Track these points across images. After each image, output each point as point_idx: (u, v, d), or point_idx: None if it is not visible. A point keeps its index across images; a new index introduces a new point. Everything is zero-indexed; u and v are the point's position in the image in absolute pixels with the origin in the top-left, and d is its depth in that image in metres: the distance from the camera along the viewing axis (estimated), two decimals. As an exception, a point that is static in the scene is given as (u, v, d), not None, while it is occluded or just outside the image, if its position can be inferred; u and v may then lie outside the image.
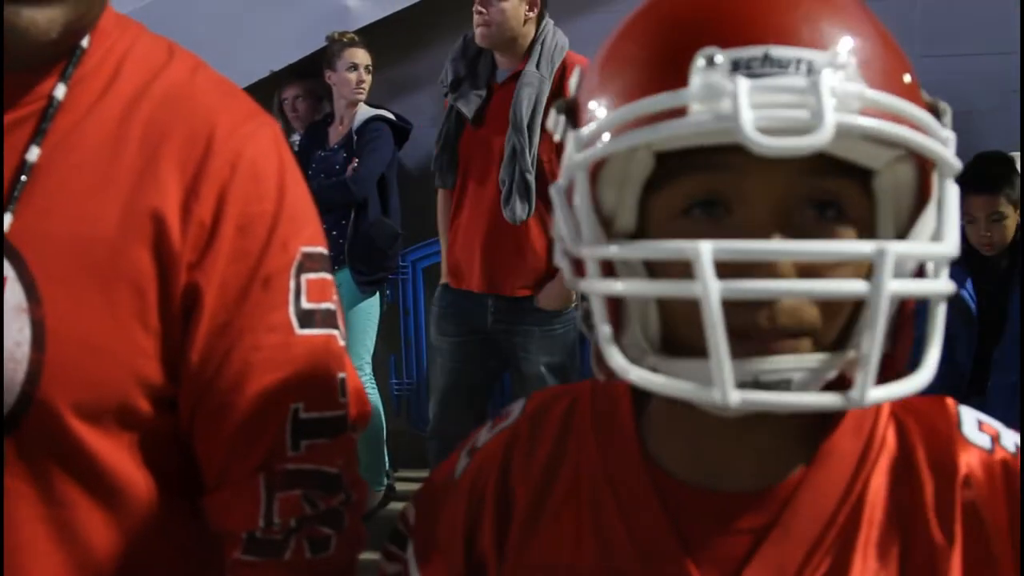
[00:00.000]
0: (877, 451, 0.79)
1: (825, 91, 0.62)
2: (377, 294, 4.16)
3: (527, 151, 3.07)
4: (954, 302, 2.97)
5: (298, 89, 4.54)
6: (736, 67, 0.65)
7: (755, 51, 0.65)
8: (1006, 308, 3.14)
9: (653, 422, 0.84)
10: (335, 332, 1.00)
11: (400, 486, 4.31)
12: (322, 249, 1.00)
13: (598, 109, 0.73)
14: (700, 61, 0.65)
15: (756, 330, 0.68)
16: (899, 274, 0.68)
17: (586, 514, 0.83)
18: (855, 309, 0.72)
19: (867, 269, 0.67)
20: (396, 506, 4.13)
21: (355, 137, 4.10)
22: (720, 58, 0.64)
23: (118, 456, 0.94)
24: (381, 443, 4.14)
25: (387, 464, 4.24)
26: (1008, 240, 3.16)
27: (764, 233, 0.68)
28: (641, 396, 0.84)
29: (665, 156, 0.71)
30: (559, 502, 0.84)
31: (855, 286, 0.64)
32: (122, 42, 0.97)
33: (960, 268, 3.04)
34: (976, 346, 3.15)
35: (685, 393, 0.67)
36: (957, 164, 0.69)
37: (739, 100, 0.62)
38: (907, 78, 0.72)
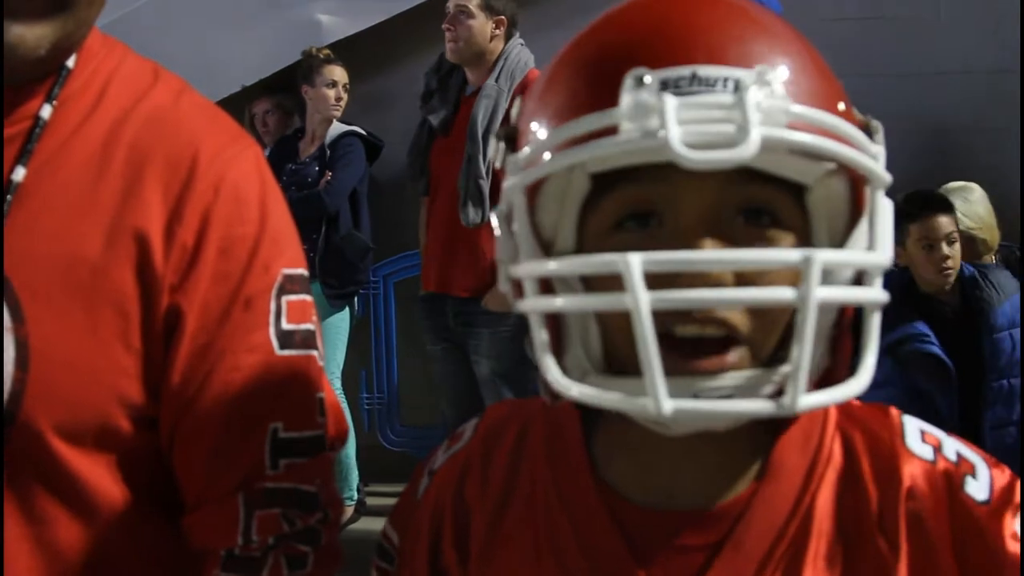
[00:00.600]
0: (824, 464, 0.81)
1: (750, 106, 0.64)
2: (347, 308, 4.17)
3: (480, 158, 3.21)
4: (921, 360, 2.99)
5: (268, 104, 4.56)
6: (665, 86, 0.67)
7: (683, 71, 0.67)
8: (976, 348, 3.09)
9: (603, 443, 0.85)
10: (314, 353, 1.01)
11: (371, 500, 4.31)
12: (303, 271, 1.02)
13: (534, 133, 0.75)
14: (629, 81, 0.67)
15: (687, 339, 0.69)
16: (834, 283, 0.70)
17: (543, 536, 0.83)
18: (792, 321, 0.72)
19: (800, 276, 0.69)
20: (367, 520, 4.13)
21: (328, 151, 4.14)
22: (649, 78, 0.67)
23: (98, 474, 0.94)
24: (351, 457, 4.15)
25: (357, 478, 4.23)
26: (958, 268, 3.13)
27: (696, 242, 0.70)
28: (591, 418, 0.85)
29: (600, 176, 0.72)
30: (515, 524, 0.85)
31: (782, 293, 0.65)
32: (108, 63, 0.98)
33: (919, 323, 3.04)
34: (956, 396, 3.10)
35: (617, 404, 0.68)
36: (887, 177, 0.71)
37: (666, 116, 0.64)
38: (836, 96, 0.74)
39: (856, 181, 0.73)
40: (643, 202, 0.72)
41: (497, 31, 3.33)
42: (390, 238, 4.20)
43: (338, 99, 4.19)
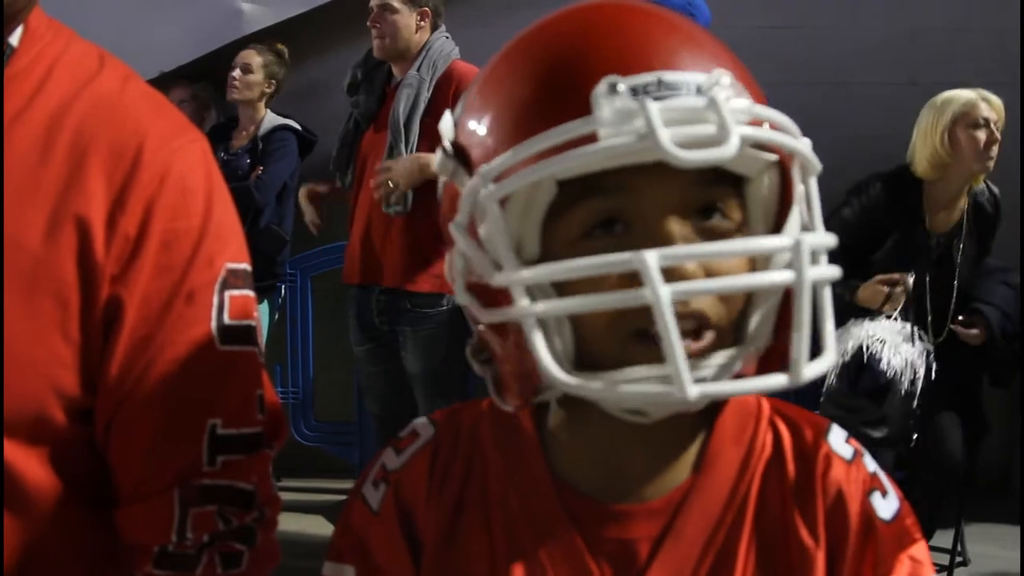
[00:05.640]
0: (757, 457, 0.86)
1: (725, 108, 0.69)
2: (266, 302, 4.12)
3: (403, 148, 3.20)
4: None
5: (184, 93, 4.48)
6: (636, 92, 0.70)
7: (649, 77, 0.71)
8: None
9: (555, 438, 0.87)
10: (255, 349, 1.00)
11: (283, 495, 4.23)
12: (246, 266, 1.00)
13: (497, 146, 0.76)
14: (603, 88, 0.70)
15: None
16: (774, 268, 0.76)
17: (499, 530, 0.85)
18: (744, 307, 0.78)
19: (753, 264, 0.77)
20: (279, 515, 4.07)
21: (260, 144, 4.09)
22: (622, 86, 0.70)
23: (28, 465, 0.92)
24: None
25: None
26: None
27: (668, 240, 0.73)
28: (539, 416, 0.88)
29: (565, 182, 0.74)
30: (471, 520, 0.87)
31: (784, 275, 0.70)
32: (53, 47, 0.96)
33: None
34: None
35: (641, 396, 0.72)
36: (818, 164, 0.77)
37: (653, 120, 0.67)
38: (763, 94, 0.79)
39: (786, 171, 0.78)
40: (611, 211, 0.75)
41: (422, 23, 3.33)
42: (308, 230, 4.15)
43: (234, 80, 4.16)
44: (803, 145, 0.75)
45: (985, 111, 3.16)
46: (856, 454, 0.87)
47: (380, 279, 3.33)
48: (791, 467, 0.86)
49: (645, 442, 0.83)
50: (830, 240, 0.75)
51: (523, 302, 0.73)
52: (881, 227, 3.24)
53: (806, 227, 0.77)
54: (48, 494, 0.94)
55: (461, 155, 0.80)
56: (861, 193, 3.26)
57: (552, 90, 0.75)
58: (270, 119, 4.18)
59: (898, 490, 0.88)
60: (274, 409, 1.03)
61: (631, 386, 0.72)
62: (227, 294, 0.97)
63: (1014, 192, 3.93)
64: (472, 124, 0.80)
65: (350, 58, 3.55)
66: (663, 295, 0.66)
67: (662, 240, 0.73)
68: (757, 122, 0.73)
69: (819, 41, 4.22)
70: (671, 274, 0.69)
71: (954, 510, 3.62)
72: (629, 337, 0.74)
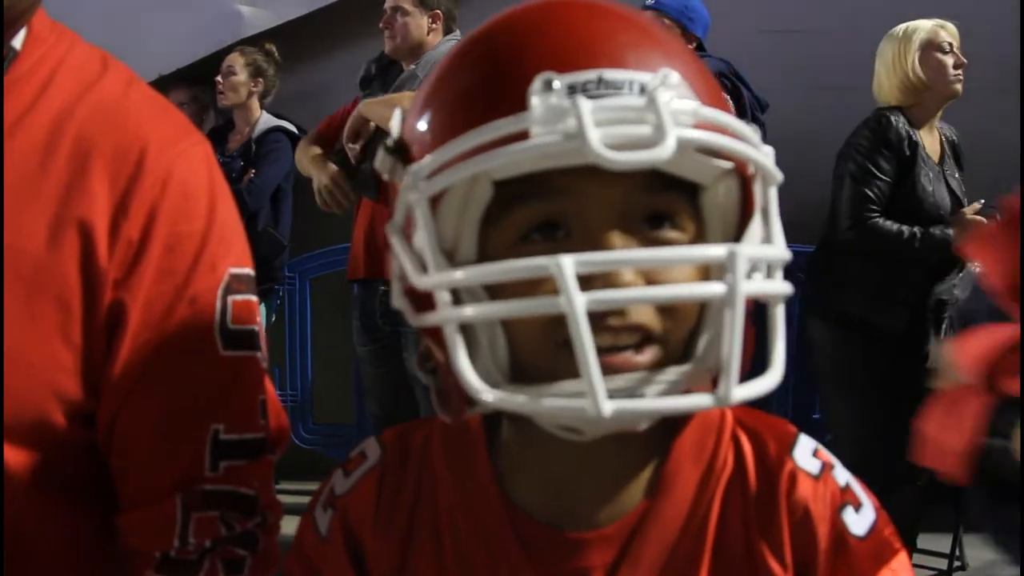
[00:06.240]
0: (718, 476, 0.82)
1: (664, 108, 0.65)
2: (263, 305, 4.11)
3: None
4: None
5: (183, 95, 4.47)
6: (573, 90, 0.67)
7: (590, 75, 0.68)
8: None
9: (507, 458, 0.84)
10: (258, 354, 1.00)
11: (281, 498, 4.24)
12: (249, 271, 1.00)
13: (433, 142, 0.73)
14: (538, 85, 0.67)
15: (604, 342, 0.69)
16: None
17: (448, 552, 0.83)
18: (696, 322, 0.74)
19: (705, 274, 0.72)
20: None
21: (254, 147, 4.07)
22: (558, 83, 0.67)
23: (27, 469, 0.91)
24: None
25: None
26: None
27: (607, 247, 0.70)
28: (492, 434, 0.85)
29: (503, 184, 0.72)
30: (424, 540, 0.84)
31: (714, 287, 0.66)
32: (56, 50, 0.96)
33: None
34: None
35: (557, 411, 0.68)
36: (779, 175, 0.73)
37: (584, 119, 0.64)
38: (723, 98, 0.76)
39: (746, 180, 0.75)
40: (551, 215, 0.72)
41: (434, 25, 3.34)
42: (307, 233, 4.14)
43: (219, 85, 4.17)
44: (759, 153, 0.72)
45: (947, 36, 3.27)
46: (824, 467, 0.83)
47: (383, 272, 3.34)
48: (753, 486, 0.82)
49: (594, 463, 0.79)
50: (779, 253, 0.72)
51: (444, 306, 0.70)
52: (908, 162, 3.22)
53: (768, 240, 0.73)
54: (46, 498, 0.94)
55: (403, 152, 0.77)
56: (877, 141, 3.21)
57: (489, 86, 0.72)
58: (265, 121, 4.16)
59: (874, 500, 0.84)
60: (277, 414, 1.03)
61: (551, 401, 0.68)
62: (230, 299, 0.97)
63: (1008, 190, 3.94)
64: (415, 120, 0.77)
65: (350, 60, 3.57)
66: (577, 303, 0.62)
67: (600, 247, 0.70)
68: (707, 126, 0.69)
69: (819, 45, 4.22)
70: (607, 282, 0.67)
71: (952, 514, 3.62)
72: (560, 348, 0.68)
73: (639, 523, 0.80)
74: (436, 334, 0.73)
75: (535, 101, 0.67)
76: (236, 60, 4.17)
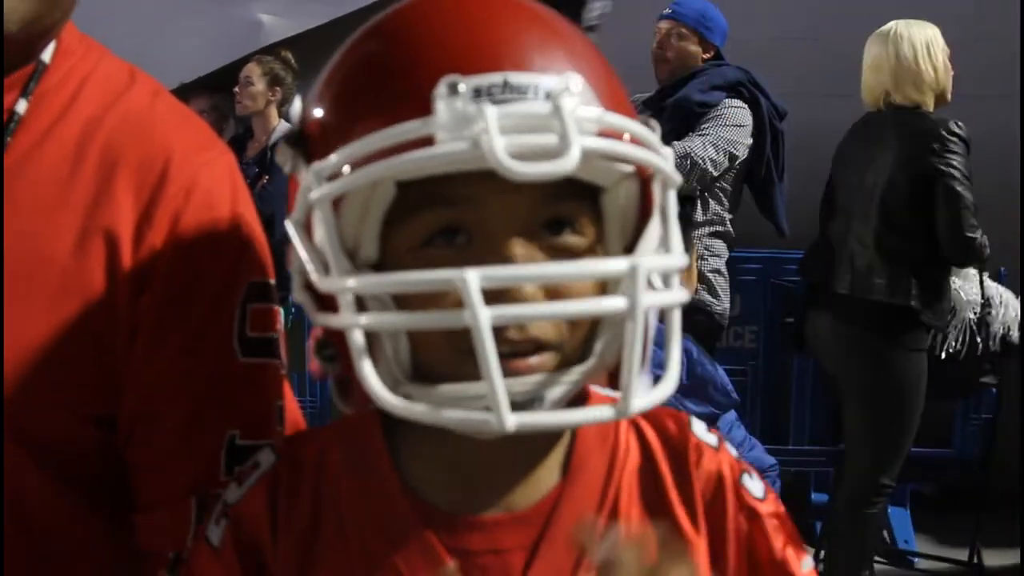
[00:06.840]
0: (623, 458, 0.84)
1: (569, 117, 0.65)
2: (281, 311, 4.13)
3: None
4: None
5: (204, 104, 4.50)
6: (478, 94, 0.66)
7: (495, 78, 0.67)
8: None
9: (408, 453, 0.83)
10: (276, 361, 1.02)
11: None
12: (269, 280, 1.02)
13: (335, 140, 0.72)
14: (442, 88, 0.67)
15: (504, 349, 0.68)
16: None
17: (356, 554, 0.81)
18: (594, 324, 0.76)
19: (603, 285, 0.73)
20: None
21: (269, 154, 4.10)
22: (463, 86, 0.66)
23: (44, 470, 0.93)
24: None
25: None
26: None
27: (509, 256, 0.70)
28: (391, 427, 0.83)
29: (406, 185, 0.71)
30: (328, 546, 0.82)
31: (615, 303, 0.68)
32: (85, 62, 0.98)
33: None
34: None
35: (459, 423, 0.68)
36: (678, 178, 0.74)
37: (490, 127, 0.64)
38: (627, 100, 0.77)
39: (645, 181, 0.75)
40: (453, 221, 0.72)
41: None
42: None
43: (237, 95, 4.23)
44: (660, 159, 0.72)
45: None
46: (719, 440, 0.87)
47: None
48: (663, 463, 0.84)
49: (500, 454, 0.79)
50: (678, 262, 0.73)
51: (348, 312, 0.70)
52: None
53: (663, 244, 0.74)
54: (60, 500, 0.95)
55: (303, 146, 0.76)
56: (953, 146, 3.07)
57: (392, 84, 0.71)
58: (282, 129, 4.19)
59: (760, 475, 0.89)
60: (294, 421, 1.04)
61: (452, 412, 0.68)
62: (249, 307, 0.98)
63: (1014, 195, 3.95)
64: (316, 113, 0.76)
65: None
66: (482, 318, 0.63)
67: (502, 258, 0.70)
68: (609, 132, 0.69)
69: (830, 52, 4.21)
70: (508, 295, 0.68)
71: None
72: (464, 355, 0.68)
73: (555, 505, 0.81)
74: (339, 334, 0.73)
75: (440, 106, 0.66)
76: (253, 70, 4.21)
